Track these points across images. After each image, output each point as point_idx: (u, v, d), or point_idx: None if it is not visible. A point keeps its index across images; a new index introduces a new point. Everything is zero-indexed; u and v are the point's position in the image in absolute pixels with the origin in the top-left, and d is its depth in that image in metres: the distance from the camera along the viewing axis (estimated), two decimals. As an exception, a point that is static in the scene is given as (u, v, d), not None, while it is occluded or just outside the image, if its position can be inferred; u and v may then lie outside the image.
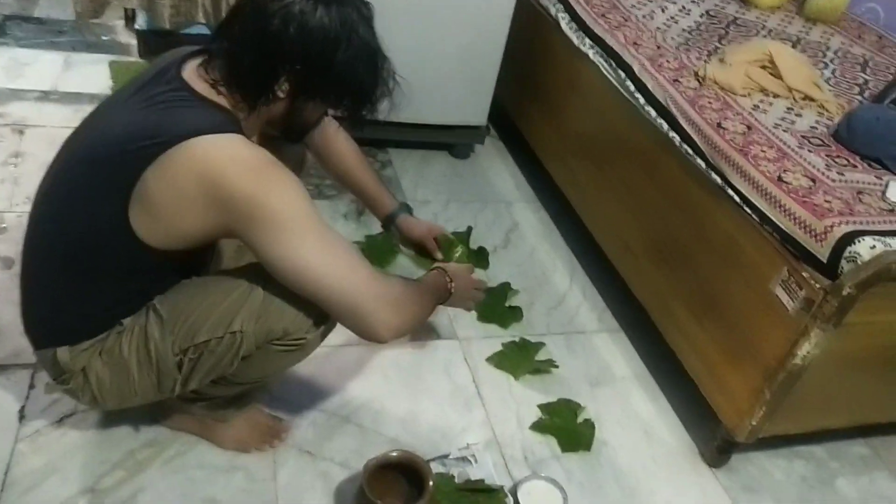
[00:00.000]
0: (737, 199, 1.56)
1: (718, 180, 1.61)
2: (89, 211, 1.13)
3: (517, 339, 1.90)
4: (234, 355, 1.20)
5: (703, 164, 1.66)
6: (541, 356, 1.87)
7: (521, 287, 2.08)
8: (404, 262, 2.07)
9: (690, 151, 1.70)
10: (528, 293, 2.07)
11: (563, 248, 2.29)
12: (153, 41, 2.70)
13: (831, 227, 1.36)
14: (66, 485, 1.34)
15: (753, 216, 1.52)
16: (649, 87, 1.86)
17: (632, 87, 1.91)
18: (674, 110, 1.76)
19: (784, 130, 1.71)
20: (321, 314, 1.21)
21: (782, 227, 1.44)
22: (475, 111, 2.51)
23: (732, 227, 1.58)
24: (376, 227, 2.09)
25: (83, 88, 2.46)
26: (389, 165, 2.50)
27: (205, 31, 2.68)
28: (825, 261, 1.36)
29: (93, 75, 2.56)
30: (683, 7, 2.41)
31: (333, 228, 1.16)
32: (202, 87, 1.12)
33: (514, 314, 1.98)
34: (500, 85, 2.56)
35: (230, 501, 1.38)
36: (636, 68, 1.92)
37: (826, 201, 1.44)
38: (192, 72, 1.14)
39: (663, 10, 2.34)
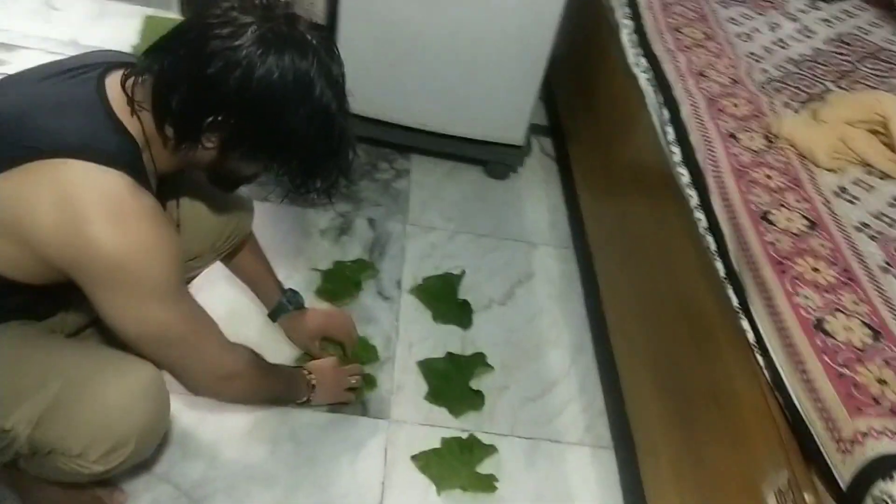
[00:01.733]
0: (750, 335, 1.04)
1: (734, 300, 1.09)
2: None
3: (464, 436, 1.48)
4: (5, 451, 0.99)
5: (721, 270, 1.14)
6: (485, 467, 1.45)
7: (500, 363, 1.64)
8: (368, 302, 1.70)
9: (713, 246, 1.18)
10: (506, 373, 1.63)
11: (580, 317, 1.81)
12: (194, -1, 2.48)
13: (865, 434, 0.83)
14: None
15: (764, 371, 0.99)
16: (691, 139, 1.33)
17: (671, 135, 1.39)
18: (709, 179, 1.24)
19: (872, 237, 1.14)
20: (111, 446, 1.00)
21: (796, 404, 0.92)
22: (511, 127, 2.05)
23: (737, 373, 1.06)
24: (354, 253, 1.77)
25: (104, 43, 2.28)
26: (405, 176, 2.12)
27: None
28: (844, 487, 0.84)
29: (122, 29, 2.37)
30: (807, 27, 1.79)
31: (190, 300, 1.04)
32: (118, 104, 0.95)
33: (474, 400, 1.56)
34: (559, 89, 2.09)
35: None
36: (684, 110, 1.39)
37: (879, 382, 0.89)
38: (114, 80, 0.96)
39: (772, 29, 1.75)
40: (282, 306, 1.48)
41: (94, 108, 0.93)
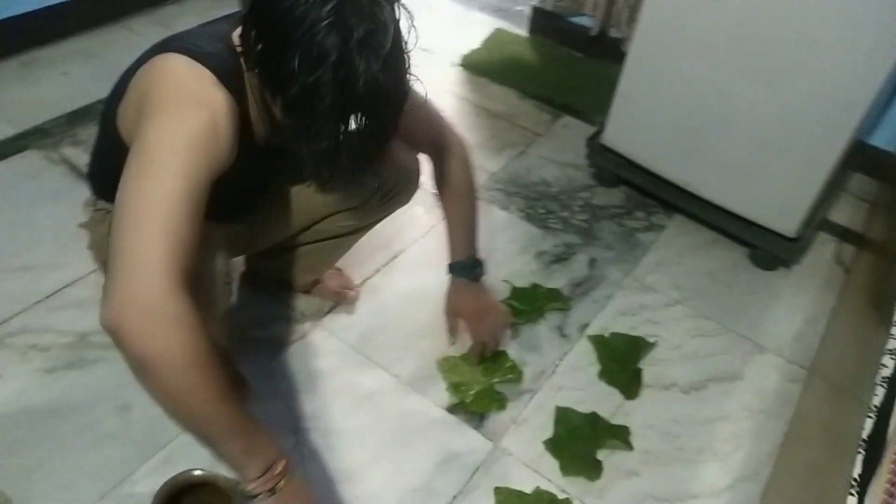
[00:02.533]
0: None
1: None
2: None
3: (561, 497, 1.37)
4: None
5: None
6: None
7: (643, 448, 1.47)
8: (542, 332, 1.66)
9: None
10: (644, 461, 1.45)
11: (772, 445, 1.51)
12: (541, 20, 2.65)
13: None
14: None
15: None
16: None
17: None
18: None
19: None
20: None
21: None
22: (785, 215, 1.78)
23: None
24: (556, 283, 1.79)
25: (451, 46, 2.58)
26: (657, 231, 1.99)
27: (587, 22, 2.50)
28: None
29: (470, 36, 2.65)
30: None
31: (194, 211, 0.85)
32: (235, 36, 1.00)
33: (592, 469, 1.42)
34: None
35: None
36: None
37: None
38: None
39: None
40: (453, 268, 1.46)
41: (219, 34, 1.01)
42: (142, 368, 0.80)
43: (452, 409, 1.48)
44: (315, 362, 1.53)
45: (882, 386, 0.96)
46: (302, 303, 1.65)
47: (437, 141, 1.38)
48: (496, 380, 1.54)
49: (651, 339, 1.67)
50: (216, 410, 0.85)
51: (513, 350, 1.60)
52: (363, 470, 1.36)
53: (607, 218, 2.01)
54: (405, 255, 1.81)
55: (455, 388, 1.51)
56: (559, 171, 2.16)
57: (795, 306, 1.82)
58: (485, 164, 2.12)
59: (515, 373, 1.56)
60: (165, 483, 1.15)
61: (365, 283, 1.73)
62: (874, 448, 0.84)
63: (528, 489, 1.37)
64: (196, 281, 0.84)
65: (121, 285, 0.79)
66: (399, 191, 1.43)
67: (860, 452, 0.85)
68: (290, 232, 1.47)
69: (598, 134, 2.05)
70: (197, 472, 1.17)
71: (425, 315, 1.61)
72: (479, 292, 1.49)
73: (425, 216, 1.88)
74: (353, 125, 0.90)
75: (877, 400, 0.93)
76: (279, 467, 0.94)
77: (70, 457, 1.32)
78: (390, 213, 1.50)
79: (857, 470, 0.83)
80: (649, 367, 1.61)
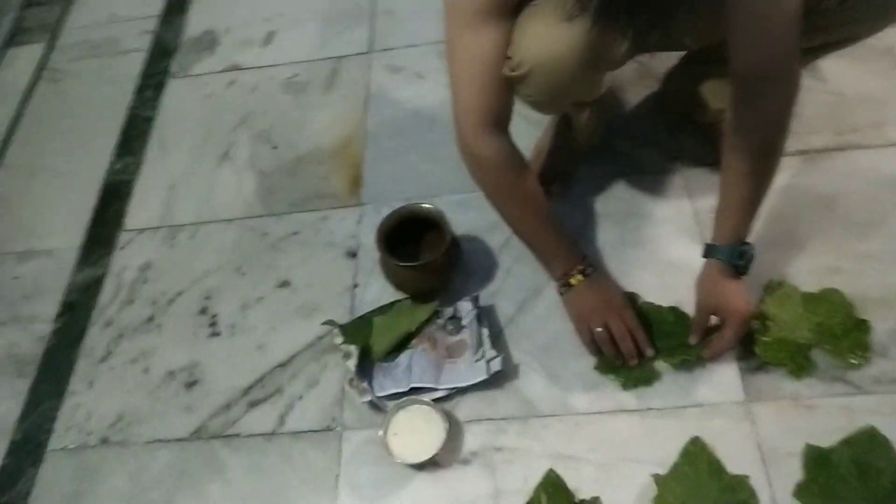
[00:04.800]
0: None
1: None
2: None
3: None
4: None
5: None
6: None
7: None
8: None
9: None
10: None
11: None
12: None
13: None
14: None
15: None
16: None
17: None
18: None
19: None
20: None
21: None
22: None
23: None
24: None
25: None
26: None
27: None
28: None
29: None
30: None
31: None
32: None
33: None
34: None
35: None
36: None
37: None
38: None
39: None
40: (710, 251, 1.09)
41: None
42: (476, 180, 1.13)
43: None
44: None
45: None
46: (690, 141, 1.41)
47: (765, 61, 0.93)
48: (827, 347, 1.10)
49: None
50: (519, 227, 1.17)
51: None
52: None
53: None
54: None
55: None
56: None
57: None
58: None
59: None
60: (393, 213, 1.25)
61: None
62: None
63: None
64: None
65: (454, 125, 1.08)
66: None
67: None
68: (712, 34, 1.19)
69: None
70: (425, 206, 1.23)
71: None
72: (737, 283, 1.08)
73: None
74: None
75: None
76: (576, 269, 1.14)
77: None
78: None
79: None
80: None
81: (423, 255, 1.27)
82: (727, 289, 1.07)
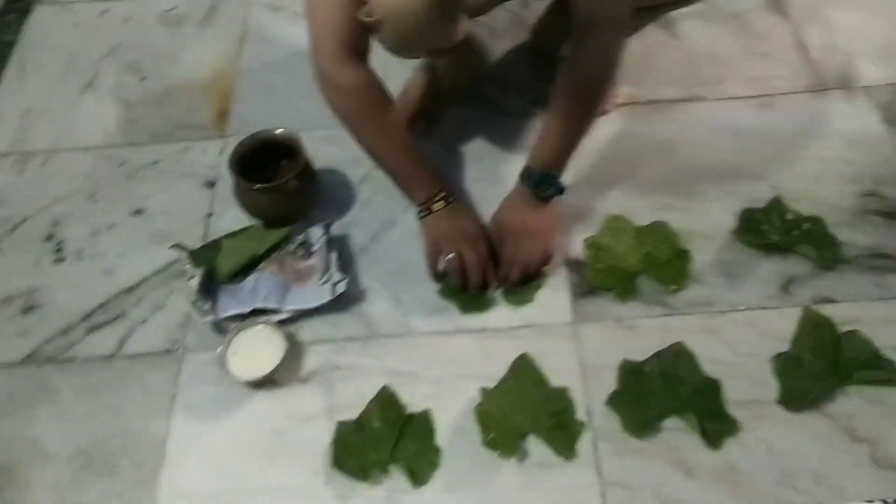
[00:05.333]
0: None
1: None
2: None
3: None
4: None
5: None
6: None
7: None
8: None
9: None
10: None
11: None
12: None
13: None
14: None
15: None
16: None
17: None
18: None
19: None
20: None
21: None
22: None
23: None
24: None
25: None
26: None
27: None
28: None
29: None
30: None
31: None
32: None
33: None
34: None
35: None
36: None
37: None
38: None
39: None
40: (524, 175, 1.16)
41: None
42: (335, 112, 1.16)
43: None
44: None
45: None
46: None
47: (598, 8, 1.03)
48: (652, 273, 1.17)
49: None
50: (379, 155, 1.19)
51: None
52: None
53: None
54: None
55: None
56: None
57: None
58: None
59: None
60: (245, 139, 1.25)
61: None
62: None
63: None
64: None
65: (311, 57, 1.10)
66: None
67: None
68: None
69: None
70: (281, 131, 1.24)
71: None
72: (543, 211, 1.16)
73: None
74: None
75: None
76: (440, 196, 1.17)
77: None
78: None
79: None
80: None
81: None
82: (528, 209, 1.14)
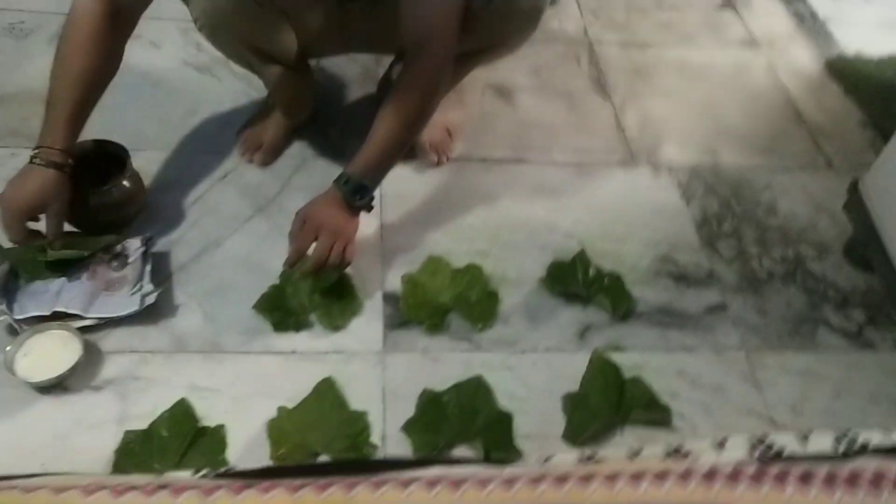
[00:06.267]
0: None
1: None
2: None
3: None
4: None
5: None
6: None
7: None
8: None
9: None
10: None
11: None
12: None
13: None
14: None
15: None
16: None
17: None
18: None
19: None
20: None
21: None
22: None
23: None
24: None
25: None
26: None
27: None
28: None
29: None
30: None
31: None
32: None
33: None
34: None
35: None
36: None
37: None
38: None
39: None
40: (339, 179, 1.18)
41: None
42: None
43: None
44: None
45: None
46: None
47: (420, 37, 1.14)
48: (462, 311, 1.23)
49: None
50: (54, 77, 1.13)
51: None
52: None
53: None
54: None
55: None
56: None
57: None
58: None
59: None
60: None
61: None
62: None
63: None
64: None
65: None
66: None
67: None
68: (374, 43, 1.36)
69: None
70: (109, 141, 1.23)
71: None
72: (349, 217, 1.20)
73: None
74: None
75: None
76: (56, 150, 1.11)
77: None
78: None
79: None
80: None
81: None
82: (340, 211, 1.18)
